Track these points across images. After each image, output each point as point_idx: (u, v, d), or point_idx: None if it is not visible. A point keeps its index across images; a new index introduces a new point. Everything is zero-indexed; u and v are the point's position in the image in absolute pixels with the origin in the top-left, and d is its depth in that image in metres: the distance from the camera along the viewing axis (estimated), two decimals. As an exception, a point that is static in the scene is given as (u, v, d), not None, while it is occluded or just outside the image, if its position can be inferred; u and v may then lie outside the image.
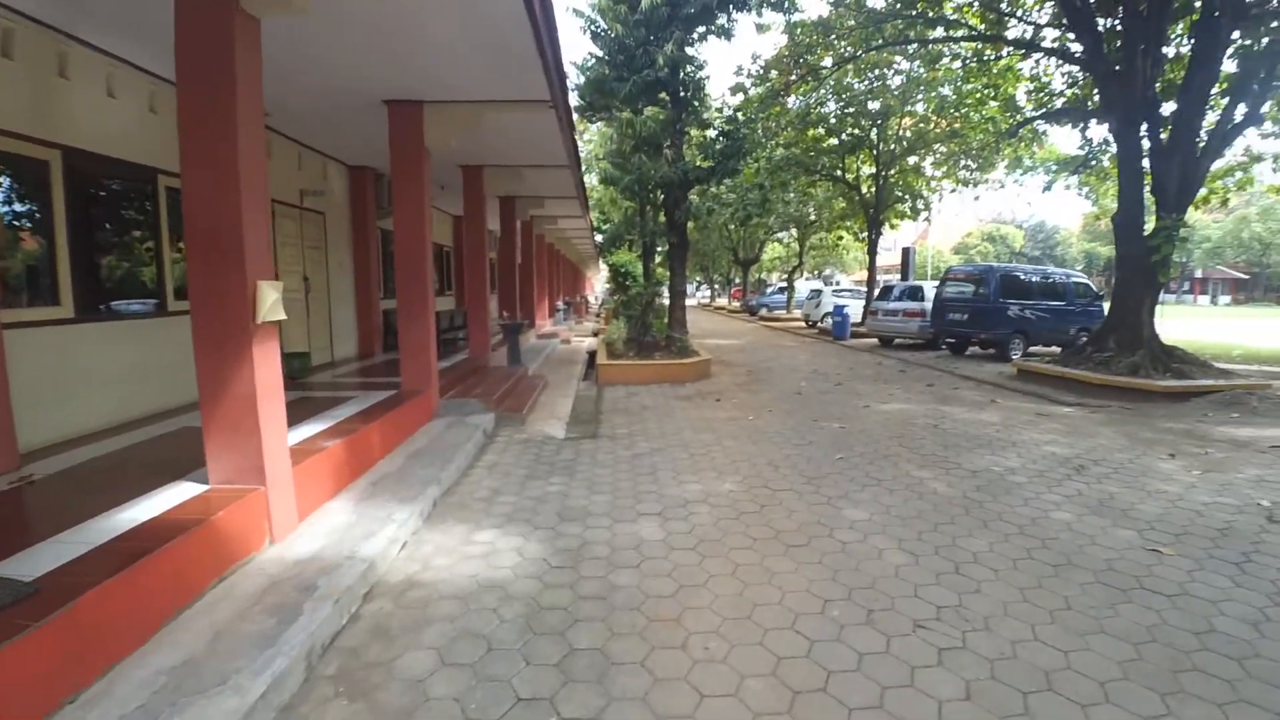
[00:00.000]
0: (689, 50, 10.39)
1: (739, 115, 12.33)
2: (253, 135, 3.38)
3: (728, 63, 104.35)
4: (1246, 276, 54.95)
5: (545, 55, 5.10)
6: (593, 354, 12.49)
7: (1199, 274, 55.16)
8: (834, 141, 18.68)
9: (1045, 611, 3.14)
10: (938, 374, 11.55)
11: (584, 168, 16.09)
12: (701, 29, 10.50)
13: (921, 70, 16.28)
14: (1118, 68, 9.36)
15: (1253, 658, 2.78)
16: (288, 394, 6.38)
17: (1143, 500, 4.79)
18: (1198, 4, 9.14)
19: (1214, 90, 9.34)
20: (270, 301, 3.39)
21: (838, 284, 36.66)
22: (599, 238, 22.00)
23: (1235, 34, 8.83)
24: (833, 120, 18.13)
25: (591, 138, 24.09)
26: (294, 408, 5.61)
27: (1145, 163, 9.66)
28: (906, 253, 19.97)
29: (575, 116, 12.50)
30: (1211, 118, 9.74)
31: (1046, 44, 11.91)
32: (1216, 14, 8.45)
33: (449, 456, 5.16)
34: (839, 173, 19.73)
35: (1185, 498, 4.86)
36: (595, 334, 17.99)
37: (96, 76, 5.04)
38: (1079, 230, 68.75)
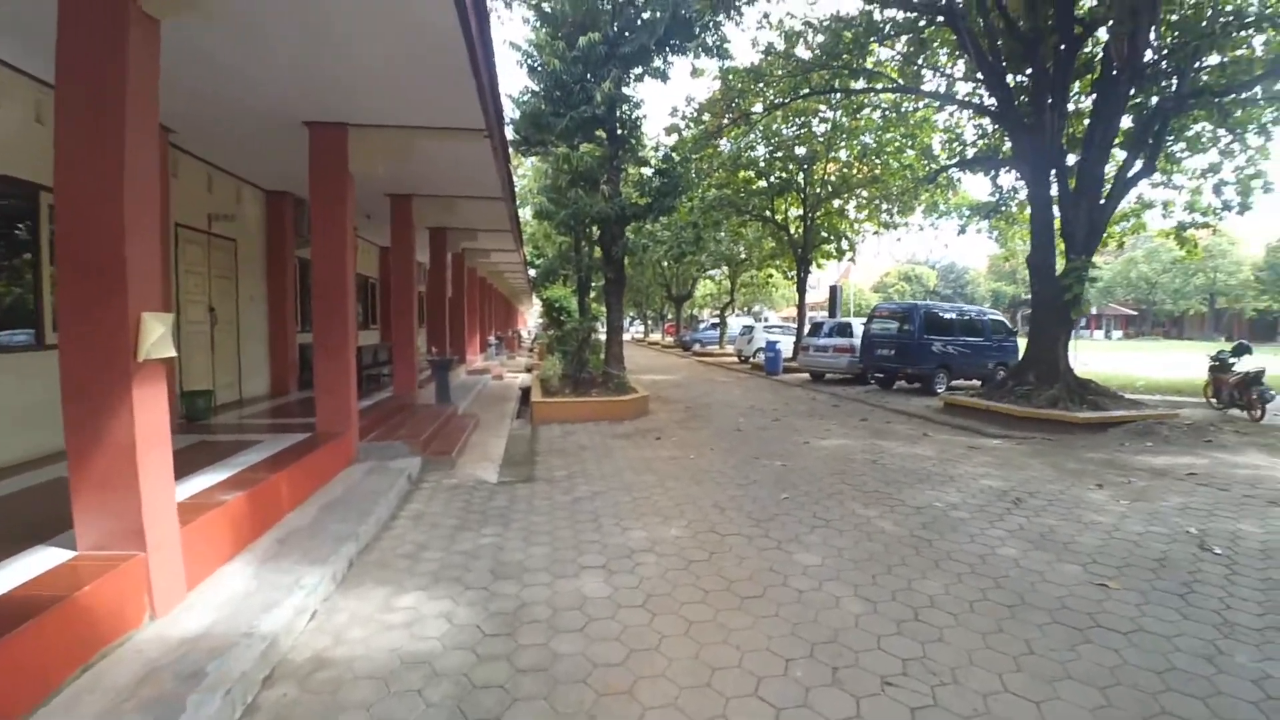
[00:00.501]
0: (626, 89, 10.43)
1: (674, 155, 12.44)
2: (143, 148, 2.97)
3: (663, 103, 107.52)
4: (1135, 313, 59.99)
5: (481, 80, 4.87)
6: (526, 390, 12.08)
7: (1094, 311, 59.73)
8: (763, 184, 19.24)
9: (1010, 658, 3.02)
10: (869, 408, 11.76)
11: (518, 202, 15.86)
12: (639, 70, 10.58)
13: (844, 119, 17.05)
14: (1027, 120, 10.00)
15: (1215, 695, 2.74)
16: (186, 437, 5.77)
17: (1081, 532, 4.84)
18: (1098, 63, 9.92)
19: (1114, 142, 10.08)
20: (155, 336, 2.94)
21: (766, 320, 37.58)
22: (533, 272, 21.71)
23: (1132, 91, 9.58)
24: (762, 163, 18.68)
25: (526, 172, 23.95)
26: (190, 454, 5.02)
27: (1055, 208, 10.29)
28: (834, 291, 20.60)
29: (510, 150, 12.32)
30: (1110, 168, 10.50)
31: (961, 97, 12.67)
32: (1115, 72, 9.18)
33: (368, 507, 4.67)
34: (768, 213, 20.28)
35: (1120, 528, 4.95)
36: (529, 369, 17.55)
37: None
38: (986, 270, 73.63)
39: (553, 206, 10.96)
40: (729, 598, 3.57)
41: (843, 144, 18.04)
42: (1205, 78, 9.54)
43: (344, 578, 3.76)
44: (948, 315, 14.72)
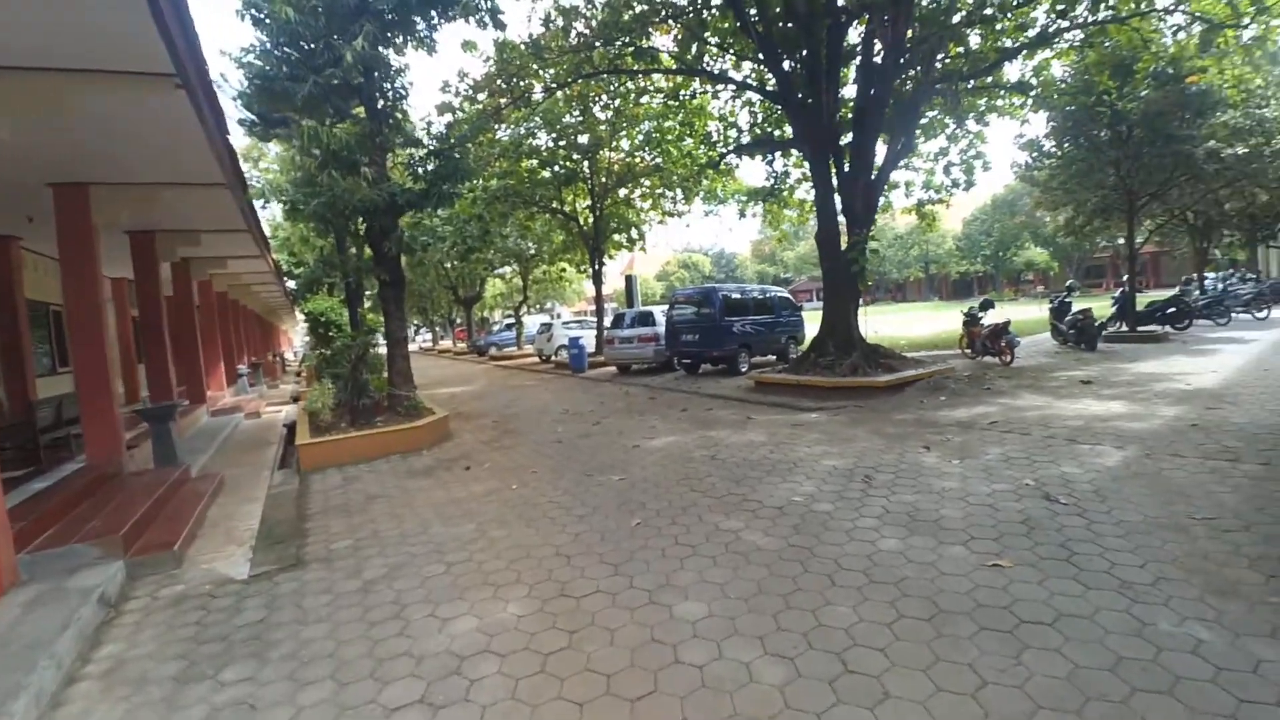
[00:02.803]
0: (385, 51, 8.67)
1: (450, 136, 10.89)
2: None
3: (436, 79, 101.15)
4: (869, 282, 69.82)
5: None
6: (292, 427, 9.82)
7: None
8: (548, 173, 18.31)
9: (970, 699, 2.48)
10: (685, 396, 11.45)
11: (265, 200, 13.06)
12: (400, 38, 8.88)
13: (625, 107, 16.66)
14: (808, 101, 10.22)
15: (1177, 684, 2.45)
16: None
17: (940, 505, 4.67)
18: (859, 49, 10.45)
19: (882, 124, 10.70)
20: None
21: (560, 316, 36.95)
22: (293, 284, 18.49)
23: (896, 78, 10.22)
24: (545, 152, 17.74)
25: (272, 164, 20.30)
26: None
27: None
28: (631, 280, 20.43)
29: (246, 137, 9.83)
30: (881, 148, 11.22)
31: (741, 79, 12.80)
32: (881, 57, 9.69)
33: (10, 681, 2.82)
34: (556, 205, 19.45)
35: (970, 492, 4.88)
36: (295, 399, 14.75)
37: None
38: (750, 255, 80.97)
39: (303, 197, 8.83)
40: (613, 707, 2.54)
41: (624, 132, 17.73)
42: (945, 67, 10.53)
43: None
44: (743, 296, 15.08)
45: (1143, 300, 16.10)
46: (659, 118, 16.49)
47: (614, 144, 18.16)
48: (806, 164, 12.27)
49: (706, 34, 11.79)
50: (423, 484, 6.44)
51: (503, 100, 12.65)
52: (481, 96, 12.59)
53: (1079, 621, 2.98)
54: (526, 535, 4.63)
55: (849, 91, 12.04)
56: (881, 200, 14.42)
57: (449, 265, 27.13)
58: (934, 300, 56.65)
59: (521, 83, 12.66)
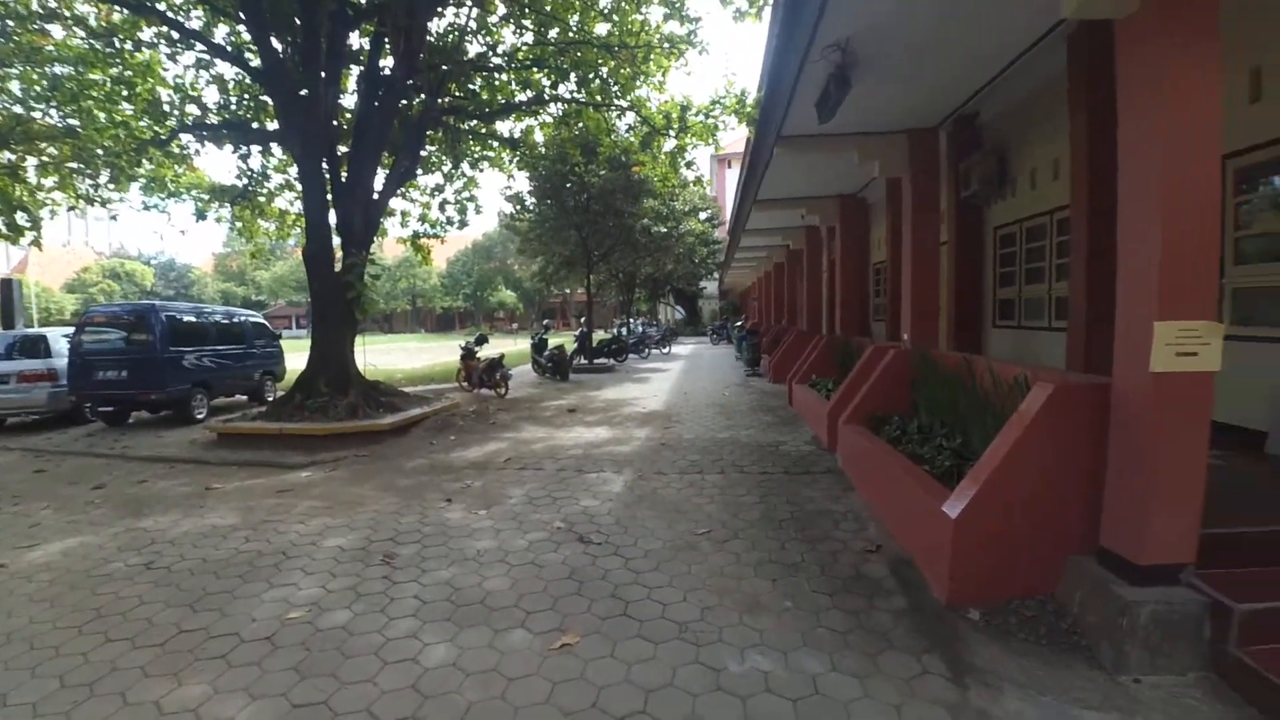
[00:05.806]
0: None
1: None
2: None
3: None
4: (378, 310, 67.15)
5: None
6: None
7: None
8: None
9: None
10: (104, 463, 7.86)
11: None
12: None
13: (16, 30, 11.10)
14: (302, 92, 8.45)
15: None
16: None
17: (482, 574, 4.05)
18: (365, 55, 9.27)
19: (387, 140, 9.66)
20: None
21: None
22: None
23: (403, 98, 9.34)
24: None
25: None
26: None
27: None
28: (9, 288, 13.78)
29: None
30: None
31: (214, 43, 9.94)
32: (391, 70, 8.72)
33: None
34: None
35: (509, 549, 4.41)
36: None
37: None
38: (212, 270, 68.09)
39: None
40: None
41: (14, 69, 11.92)
42: (453, 100, 10.30)
43: None
44: (199, 319, 11.74)
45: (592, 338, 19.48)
46: (80, 62, 11.54)
47: (-1, 79, 12.03)
48: (294, 167, 10.33)
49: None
50: None
51: None
52: None
53: (667, 694, 2.71)
54: None
55: (349, 102, 10.68)
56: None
57: None
58: (421, 332, 58.24)
59: None
